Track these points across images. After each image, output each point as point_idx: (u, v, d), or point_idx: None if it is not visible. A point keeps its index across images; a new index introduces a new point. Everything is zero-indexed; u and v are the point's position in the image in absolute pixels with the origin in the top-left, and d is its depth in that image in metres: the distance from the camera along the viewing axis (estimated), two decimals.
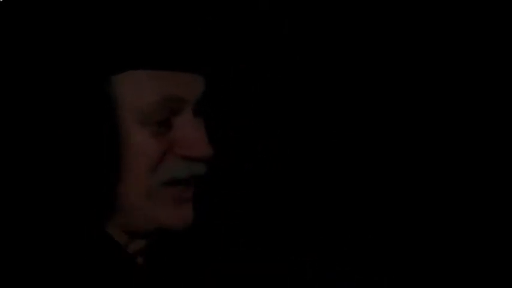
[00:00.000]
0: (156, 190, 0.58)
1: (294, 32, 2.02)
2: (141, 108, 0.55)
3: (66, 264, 0.52)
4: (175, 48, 0.56)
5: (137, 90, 0.55)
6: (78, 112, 0.52)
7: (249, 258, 1.67)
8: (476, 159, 2.03)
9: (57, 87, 0.52)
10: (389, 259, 1.70)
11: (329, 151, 2.01)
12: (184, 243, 1.58)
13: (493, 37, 2.13)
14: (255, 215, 1.83)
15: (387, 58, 2.14)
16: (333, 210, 1.78)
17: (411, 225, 1.80)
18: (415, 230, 1.78)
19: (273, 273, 1.65)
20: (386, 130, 2.17)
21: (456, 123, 2.14)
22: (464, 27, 2.10)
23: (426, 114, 2.21)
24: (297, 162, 1.97)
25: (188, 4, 0.59)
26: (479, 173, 1.99)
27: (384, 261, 1.70)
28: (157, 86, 0.56)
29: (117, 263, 0.56)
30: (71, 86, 0.52)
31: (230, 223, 1.76)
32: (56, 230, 0.53)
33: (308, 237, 1.74)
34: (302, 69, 2.02)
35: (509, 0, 2.03)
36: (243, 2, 1.93)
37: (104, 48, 0.53)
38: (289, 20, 2.04)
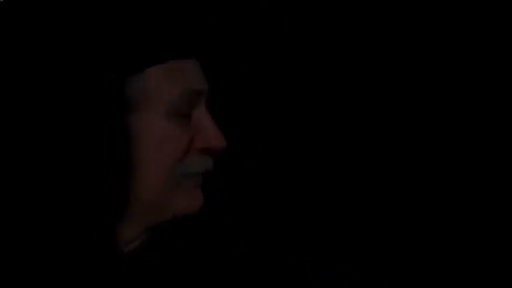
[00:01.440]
0: (173, 181, 0.59)
1: (294, 32, 2.02)
2: (169, 100, 0.56)
3: (71, 263, 0.52)
4: (187, 35, 0.57)
5: (165, 84, 0.56)
6: (99, 108, 0.53)
7: (249, 258, 1.67)
8: (475, 159, 2.03)
9: (79, 83, 0.52)
10: (389, 259, 1.70)
11: (329, 151, 2.01)
12: (184, 242, 1.58)
13: (493, 37, 2.13)
14: (255, 215, 1.83)
15: (387, 58, 2.14)
16: (333, 210, 1.78)
17: (411, 225, 1.80)
18: (415, 230, 1.78)
19: (273, 273, 1.65)
20: (386, 130, 2.17)
21: (456, 123, 2.14)
22: (464, 27, 2.10)
23: (426, 115, 2.21)
24: (297, 162, 1.97)
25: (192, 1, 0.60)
26: (479, 173, 1.99)
27: (384, 261, 1.70)
28: (179, 78, 0.57)
29: (117, 261, 0.56)
30: (94, 82, 0.53)
31: (230, 223, 1.76)
32: (66, 227, 0.53)
33: (308, 237, 1.74)
34: (302, 69, 2.02)
35: (509, 0, 2.03)
36: (243, 2, 1.93)
37: (124, 47, 0.54)
38: (289, 20, 2.04)
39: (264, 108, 1.95)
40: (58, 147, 0.52)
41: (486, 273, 1.68)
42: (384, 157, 1.99)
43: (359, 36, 2.10)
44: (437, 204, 1.90)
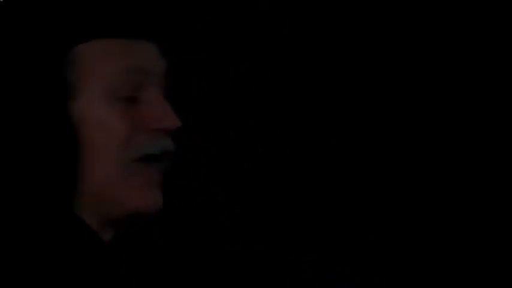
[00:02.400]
0: (126, 169, 0.56)
1: (293, 32, 2.02)
2: (106, 81, 0.53)
3: (32, 251, 0.51)
4: (133, 14, 0.54)
5: (100, 63, 0.53)
6: (35, 88, 0.50)
7: (249, 258, 1.67)
8: (475, 159, 2.03)
9: (11, 61, 0.50)
10: (389, 259, 1.70)
11: (329, 151, 2.01)
12: (183, 242, 1.58)
13: (493, 37, 2.13)
14: (255, 215, 1.83)
15: (386, 58, 2.14)
16: (333, 210, 1.78)
17: (411, 225, 1.80)
18: (415, 230, 1.78)
19: (273, 273, 1.65)
20: (385, 130, 2.17)
21: (455, 123, 2.14)
22: (464, 27, 2.10)
23: (425, 115, 2.20)
24: (297, 162, 1.97)
25: None
26: (478, 172, 1.99)
27: (384, 261, 1.70)
28: (119, 58, 0.55)
29: (87, 246, 0.54)
30: (27, 60, 0.51)
31: (230, 223, 1.76)
32: (21, 215, 0.52)
33: (308, 237, 1.74)
34: (302, 69, 2.02)
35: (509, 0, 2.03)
36: (243, 2, 1.93)
37: (61, 18, 0.51)
38: (289, 20, 2.04)
39: (263, 108, 1.95)
40: None
41: (486, 273, 1.67)
42: (383, 157, 1.99)
43: (358, 37, 2.10)
44: (436, 204, 1.90)
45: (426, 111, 2.19)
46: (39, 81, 0.51)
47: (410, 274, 1.69)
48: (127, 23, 0.53)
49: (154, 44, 0.57)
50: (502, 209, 1.85)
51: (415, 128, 2.15)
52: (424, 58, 2.15)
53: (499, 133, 2.02)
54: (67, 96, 0.52)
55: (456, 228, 1.80)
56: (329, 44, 2.02)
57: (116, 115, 0.54)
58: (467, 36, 2.13)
